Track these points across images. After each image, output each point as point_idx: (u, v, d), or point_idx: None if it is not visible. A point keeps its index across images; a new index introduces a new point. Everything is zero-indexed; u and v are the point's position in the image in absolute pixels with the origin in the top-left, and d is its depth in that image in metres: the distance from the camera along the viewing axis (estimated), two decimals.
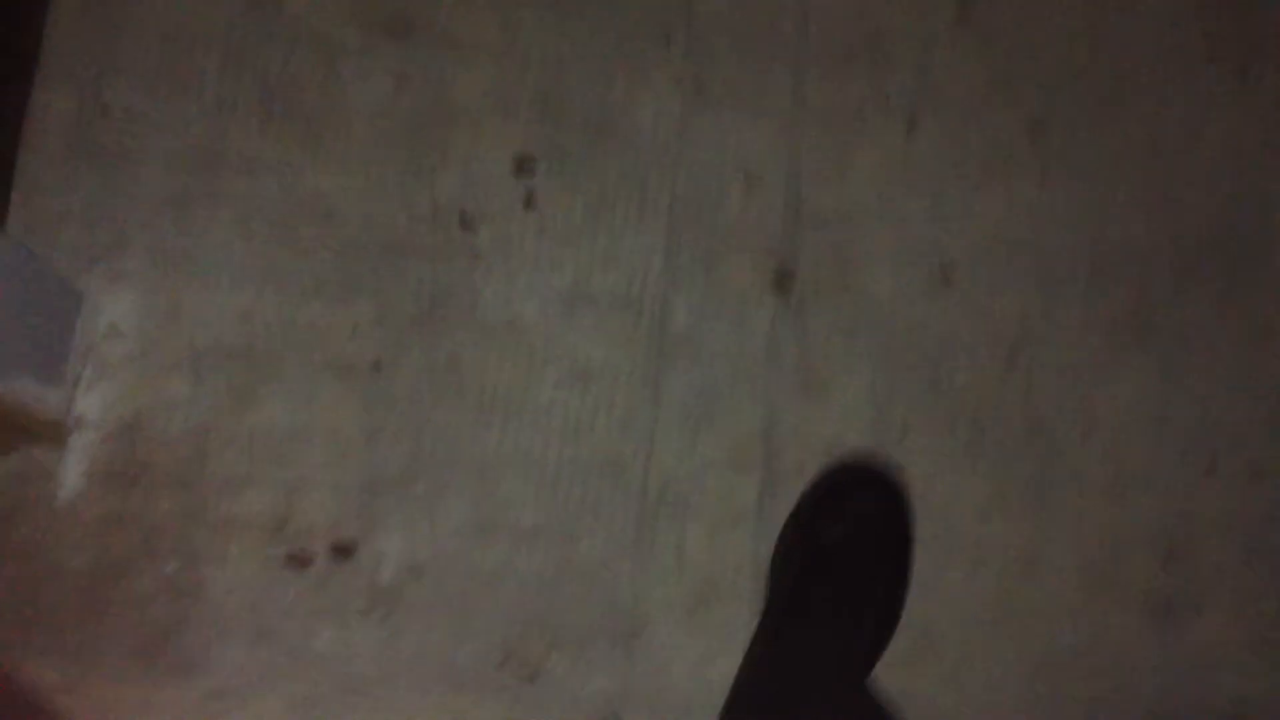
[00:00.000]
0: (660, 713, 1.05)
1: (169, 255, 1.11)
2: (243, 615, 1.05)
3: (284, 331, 1.10)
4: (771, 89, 1.19)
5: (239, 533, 1.06)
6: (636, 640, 1.07)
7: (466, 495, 1.08)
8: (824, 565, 0.94)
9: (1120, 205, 1.20)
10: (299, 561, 1.06)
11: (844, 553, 0.96)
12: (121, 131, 1.13)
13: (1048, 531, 1.11)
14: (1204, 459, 1.13)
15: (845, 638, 0.89)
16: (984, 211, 1.18)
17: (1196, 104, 1.22)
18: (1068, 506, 1.12)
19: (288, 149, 1.13)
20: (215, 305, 1.11)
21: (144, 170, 1.12)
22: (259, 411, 1.08)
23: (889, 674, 0.95)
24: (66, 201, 1.10)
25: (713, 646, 1.06)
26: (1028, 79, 1.22)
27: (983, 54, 1.23)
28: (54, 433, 1.05)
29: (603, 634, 1.06)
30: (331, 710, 1.03)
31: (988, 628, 1.08)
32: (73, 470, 1.08)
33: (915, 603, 1.01)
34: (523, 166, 1.17)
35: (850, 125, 1.19)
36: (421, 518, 1.08)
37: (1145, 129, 1.22)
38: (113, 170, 1.12)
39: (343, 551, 1.07)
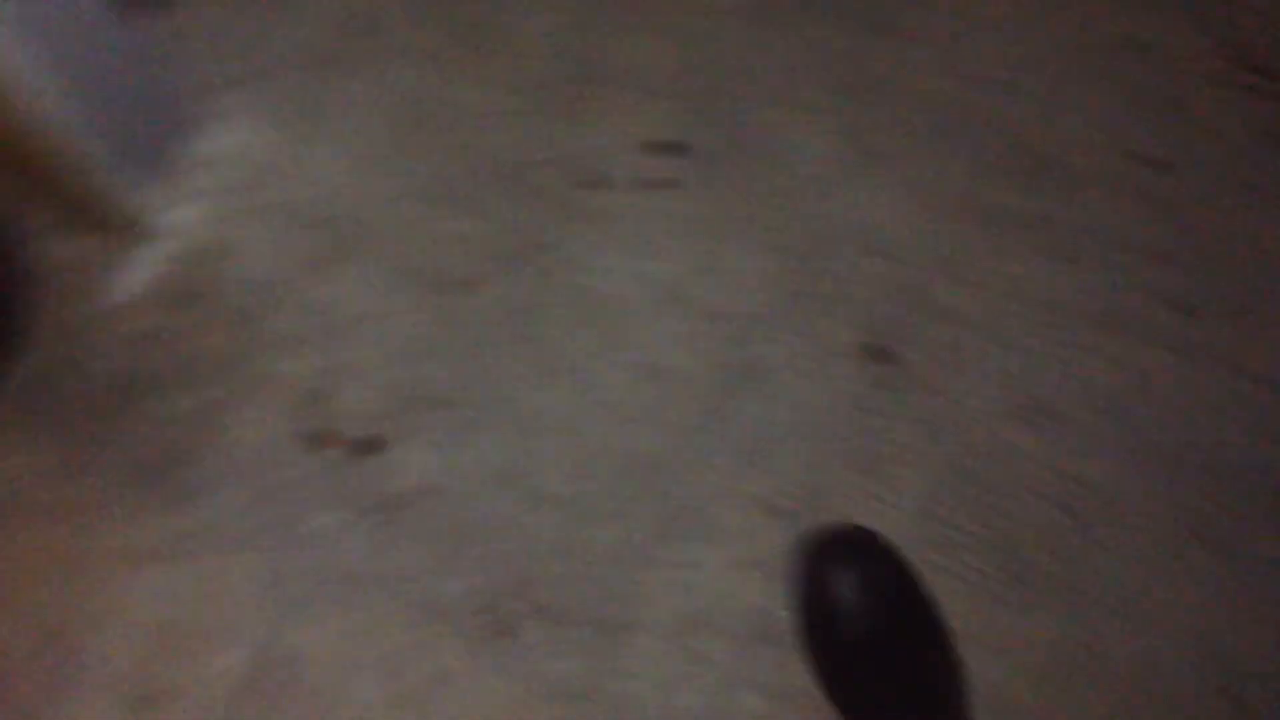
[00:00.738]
0: (616, 717, 1.02)
1: (301, 106, 1.12)
2: (249, 471, 1.04)
3: (384, 219, 1.11)
4: (940, 174, 1.21)
5: (274, 392, 1.05)
6: (617, 639, 1.05)
7: (502, 440, 1.07)
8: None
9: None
10: (320, 440, 1.05)
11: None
12: None
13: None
14: None
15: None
16: (1090, 371, 1.18)
17: None
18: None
19: (447, 46, 1.15)
20: (327, 169, 1.12)
21: (306, 17, 1.14)
22: (333, 285, 1.08)
23: None
24: (226, 20, 1.11)
25: (690, 674, 1.04)
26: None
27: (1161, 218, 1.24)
28: (129, 232, 1.05)
29: (587, 621, 1.04)
30: (296, 591, 1.00)
31: None
32: (135, 276, 1.08)
33: None
34: (669, 150, 1.18)
35: (1007, 237, 1.21)
36: (452, 445, 1.06)
37: None
38: (278, 7, 1.14)
39: (367, 447, 1.05)
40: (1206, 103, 1.24)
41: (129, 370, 1.03)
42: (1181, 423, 1.13)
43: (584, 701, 0.97)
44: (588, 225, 1.13)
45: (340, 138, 1.12)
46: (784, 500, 1.09)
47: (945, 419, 1.14)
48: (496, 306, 1.10)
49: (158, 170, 1.03)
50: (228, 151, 1.09)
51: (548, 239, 1.12)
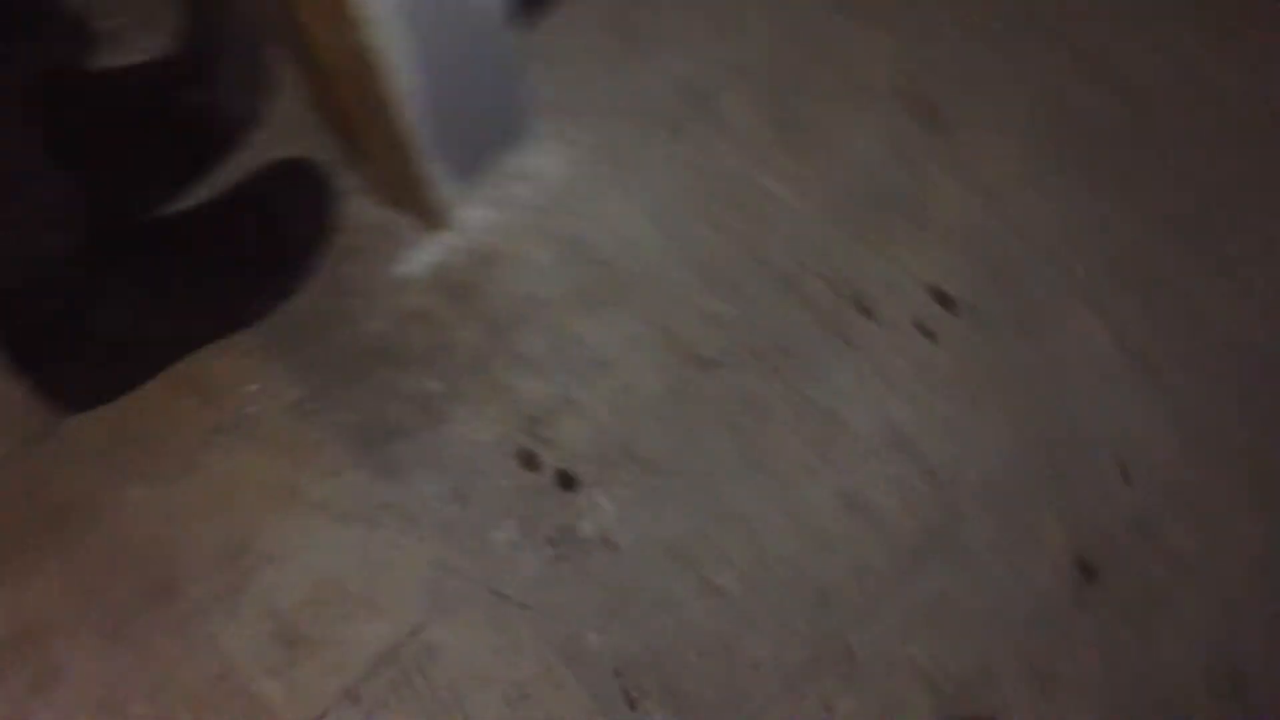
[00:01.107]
0: None
1: (616, 151, 1.19)
2: (456, 467, 1.10)
3: (655, 278, 1.16)
4: (1218, 416, 1.18)
5: (502, 403, 1.12)
6: None
7: (689, 518, 1.10)
8: None
9: None
10: (527, 461, 1.11)
11: None
12: (656, 21, 1.23)
13: None
14: None
15: None
16: None
17: None
18: None
19: (771, 135, 1.21)
20: (620, 215, 1.18)
21: (650, 70, 1.22)
22: (588, 322, 1.14)
23: None
24: (576, 49, 1.20)
25: None
26: None
27: None
28: (434, 218, 1.14)
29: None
30: (457, 590, 1.06)
31: None
32: (423, 257, 1.17)
33: None
34: (945, 301, 1.18)
35: (1270, 497, 1.16)
36: (640, 505, 1.10)
37: None
38: (631, 52, 1.22)
39: (567, 482, 1.10)
40: None
41: (386, 339, 1.12)
42: None
43: None
44: (840, 345, 1.15)
45: (642, 190, 1.18)
46: (942, 678, 1.07)
47: (1135, 661, 1.09)
48: (726, 390, 1.13)
49: (475, 171, 1.11)
50: (538, 172, 1.17)
51: (796, 345, 1.14)
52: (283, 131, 1.19)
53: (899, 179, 1.20)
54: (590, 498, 1.09)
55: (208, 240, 1.09)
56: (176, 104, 1.09)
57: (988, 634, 1.08)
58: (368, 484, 1.09)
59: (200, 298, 1.08)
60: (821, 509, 1.11)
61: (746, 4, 1.30)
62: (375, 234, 1.16)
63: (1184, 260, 1.23)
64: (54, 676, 1.00)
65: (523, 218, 1.16)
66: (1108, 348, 1.18)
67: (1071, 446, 1.15)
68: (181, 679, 1.00)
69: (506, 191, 1.16)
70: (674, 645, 1.06)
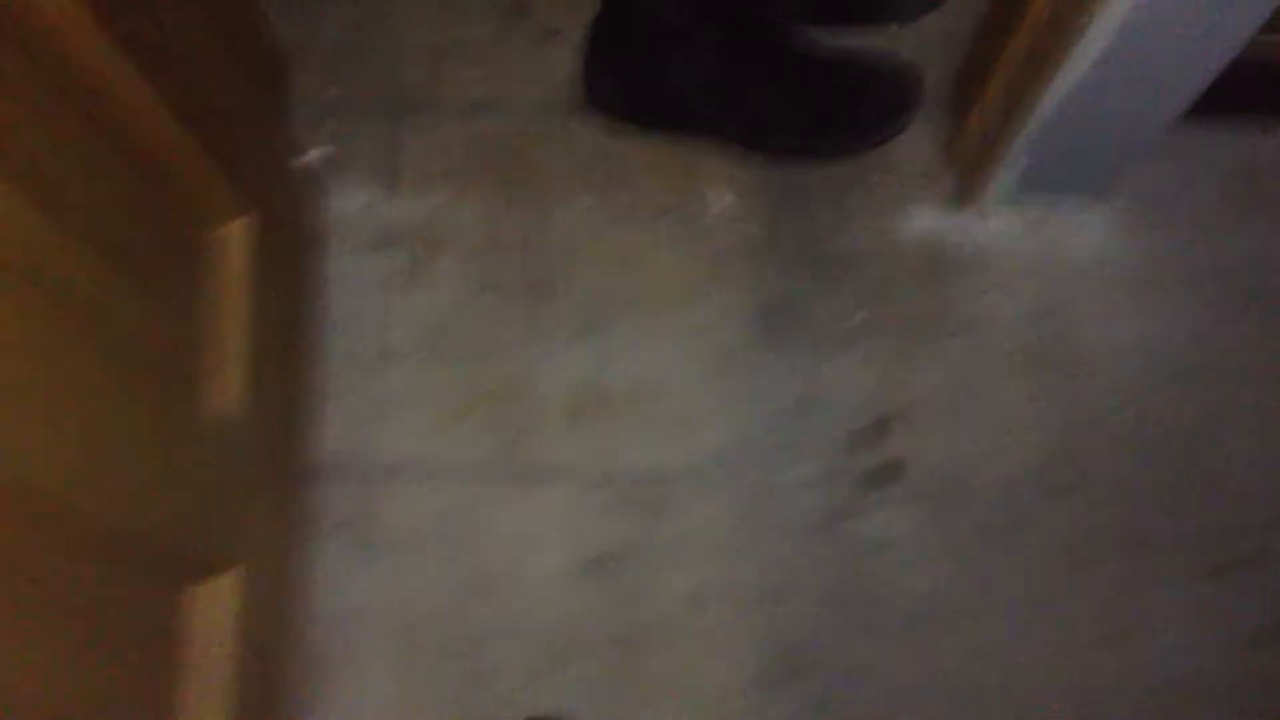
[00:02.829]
0: None
1: (1163, 283, 1.25)
2: (816, 387, 1.21)
3: (1084, 395, 1.22)
4: None
5: (895, 368, 1.22)
6: None
7: (957, 595, 1.17)
8: None
9: None
10: (878, 429, 1.20)
11: None
12: None
13: None
14: None
15: None
16: None
17: None
18: None
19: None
20: (1109, 328, 1.24)
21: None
22: (1008, 378, 1.21)
23: None
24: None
25: None
26: None
27: None
28: (970, 197, 1.22)
29: None
30: (728, 465, 1.18)
31: None
32: (932, 219, 1.26)
33: None
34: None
35: None
36: (935, 550, 1.18)
37: None
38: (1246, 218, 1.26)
39: (890, 475, 1.19)
40: None
41: (847, 252, 1.22)
42: None
43: None
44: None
45: (1158, 321, 1.23)
46: None
47: None
48: (1068, 525, 1.18)
49: (1044, 187, 1.19)
50: (1079, 233, 1.24)
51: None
52: (919, 39, 1.29)
53: None
54: (894, 503, 1.17)
55: (798, 67, 1.21)
56: None
57: None
58: (741, 339, 1.22)
59: (753, 102, 1.21)
60: None
61: None
62: (915, 170, 1.25)
63: None
64: None
65: (1036, 258, 1.22)
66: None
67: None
68: None
69: (1045, 227, 1.23)
70: (858, 667, 1.15)
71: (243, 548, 0.90)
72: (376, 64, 1.27)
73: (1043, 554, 1.14)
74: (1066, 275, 1.21)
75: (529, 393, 1.18)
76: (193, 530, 0.81)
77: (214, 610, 0.84)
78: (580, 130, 1.25)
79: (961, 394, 1.18)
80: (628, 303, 1.21)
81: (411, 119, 1.26)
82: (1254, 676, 1.13)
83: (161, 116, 0.79)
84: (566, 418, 1.18)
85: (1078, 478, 1.16)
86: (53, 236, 0.63)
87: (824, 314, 1.20)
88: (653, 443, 1.17)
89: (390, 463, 1.16)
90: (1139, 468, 1.17)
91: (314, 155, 1.22)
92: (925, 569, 1.14)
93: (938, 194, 1.23)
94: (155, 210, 0.80)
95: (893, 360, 1.20)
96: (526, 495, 1.16)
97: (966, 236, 1.22)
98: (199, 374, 0.86)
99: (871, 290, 1.21)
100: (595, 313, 1.21)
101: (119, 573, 0.70)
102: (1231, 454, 1.17)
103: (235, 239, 0.92)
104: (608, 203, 1.23)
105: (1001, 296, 1.20)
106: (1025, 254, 1.21)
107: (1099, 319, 1.20)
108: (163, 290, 0.79)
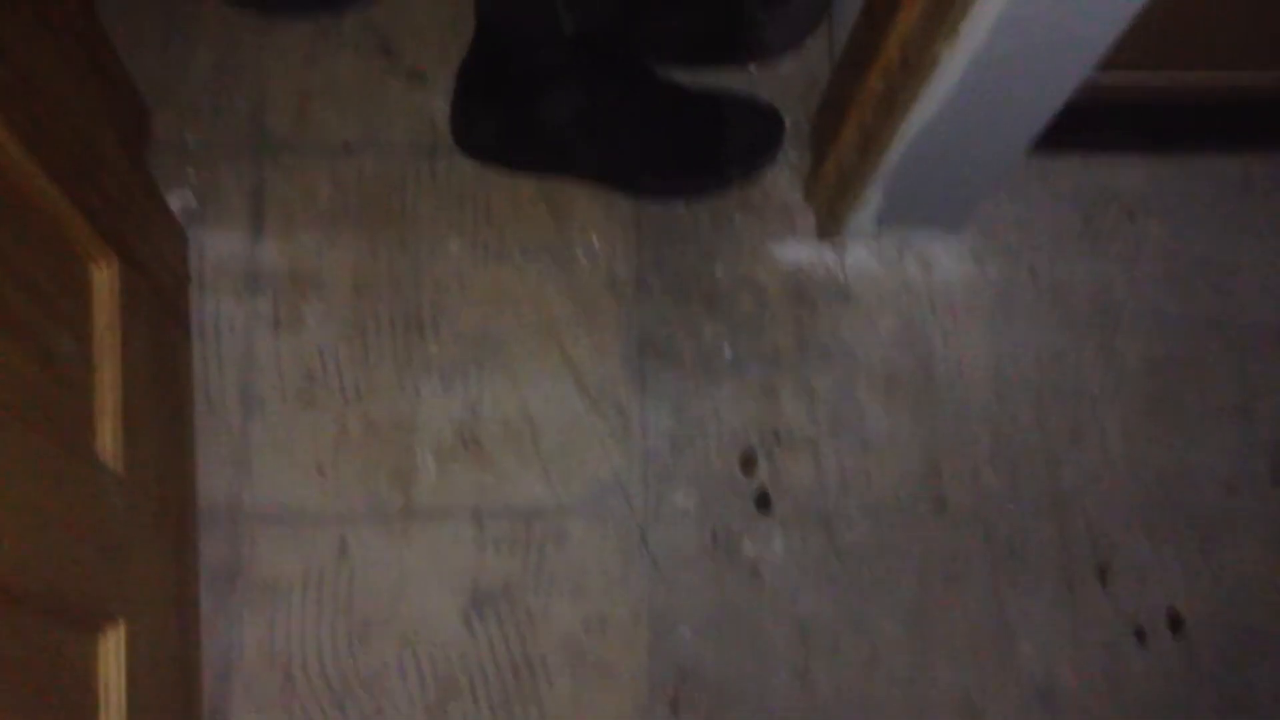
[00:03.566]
0: None
1: (1014, 299, 1.34)
2: (689, 421, 1.25)
3: (956, 403, 1.30)
4: None
5: (765, 401, 1.26)
6: None
7: (839, 609, 1.24)
8: None
9: None
10: (746, 462, 1.26)
11: None
12: None
13: None
14: None
15: None
16: None
17: None
18: None
19: None
20: (971, 344, 1.32)
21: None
22: (877, 402, 1.28)
23: None
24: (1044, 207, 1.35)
25: None
26: None
27: None
28: (830, 230, 1.28)
29: None
30: (613, 505, 1.23)
31: None
32: (797, 252, 1.33)
33: None
34: None
35: None
36: (806, 573, 1.24)
37: None
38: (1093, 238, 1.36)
39: (763, 503, 1.25)
40: None
41: (719, 286, 1.27)
42: None
43: None
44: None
45: (1013, 338, 1.32)
46: None
47: None
48: (944, 539, 1.26)
49: (900, 220, 1.27)
50: (940, 262, 1.33)
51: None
52: (778, 82, 1.37)
53: None
54: (770, 530, 1.24)
55: (663, 107, 1.27)
56: (738, 2, 1.28)
57: None
58: (612, 376, 1.25)
59: (620, 142, 1.27)
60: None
61: None
62: (776, 206, 1.32)
63: None
64: None
65: (894, 288, 1.30)
66: None
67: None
68: None
69: (903, 258, 1.31)
70: (742, 690, 1.20)
71: (126, 601, 0.91)
72: (241, 107, 1.29)
73: (914, 573, 1.22)
74: (924, 304, 1.29)
75: (402, 435, 1.21)
76: (74, 584, 0.82)
77: (98, 664, 0.84)
78: (450, 171, 1.29)
79: (828, 423, 1.25)
80: (500, 343, 1.25)
81: (277, 161, 1.28)
82: (1134, 676, 1.21)
83: (23, 166, 0.80)
84: (441, 459, 1.21)
85: (942, 498, 1.24)
86: None
87: (694, 350, 1.26)
88: (529, 481, 1.21)
89: (263, 511, 1.18)
90: (1000, 485, 1.25)
91: (178, 200, 1.24)
92: (803, 593, 1.20)
93: (800, 229, 1.30)
94: (17, 259, 0.81)
95: (761, 393, 1.26)
96: (404, 538, 1.18)
97: (828, 270, 1.29)
98: (73, 426, 0.87)
99: (739, 325, 1.27)
100: (468, 354, 1.24)
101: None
102: (1086, 468, 1.26)
103: (102, 287, 0.94)
104: (478, 243, 1.27)
105: (863, 326, 1.28)
106: (884, 285, 1.29)
107: (956, 345, 1.28)
108: (33, 342, 0.80)
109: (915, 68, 0.96)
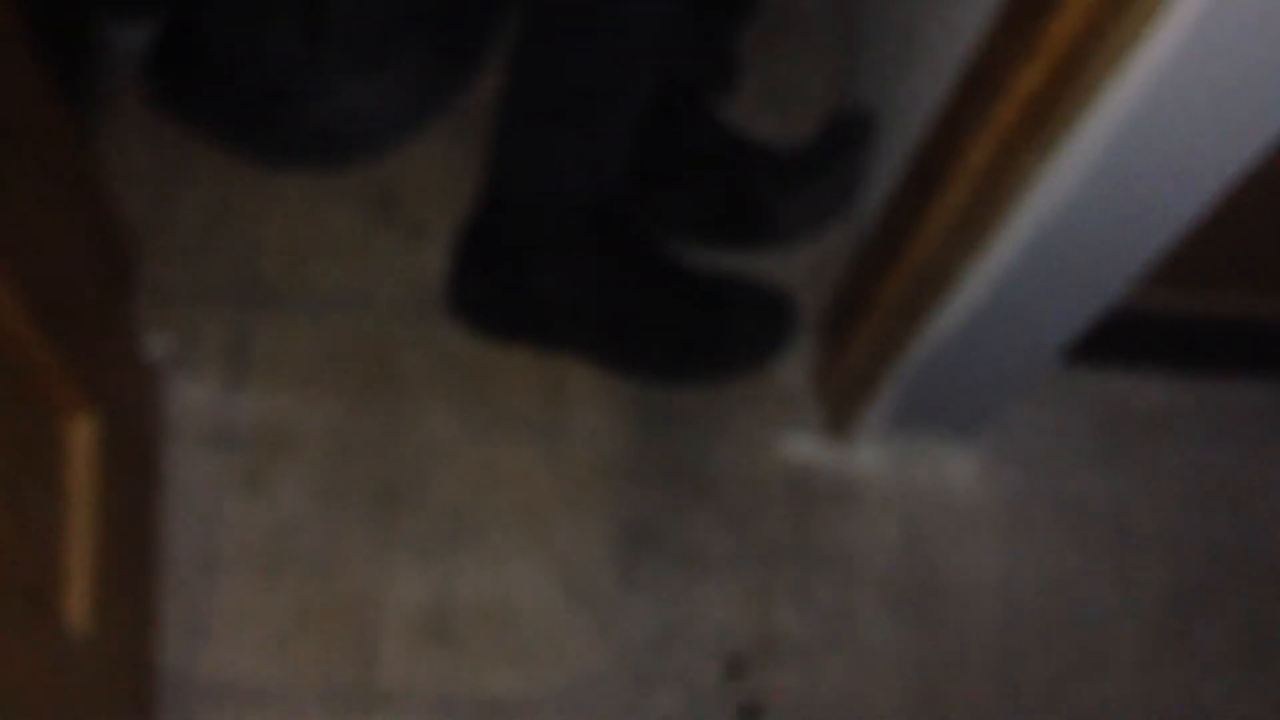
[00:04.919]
0: None
1: (1026, 519, 1.35)
2: (678, 619, 1.24)
3: (952, 622, 1.29)
4: None
5: (756, 602, 1.27)
6: None
7: None
8: None
9: None
10: (732, 666, 1.24)
11: None
12: None
13: None
14: None
15: None
16: None
17: None
18: None
19: None
20: (979, 564, 1.32)
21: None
22: (876, 611, 1.27)
23: None
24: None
25: None
26: None
27: None
28: (842, 429, 1.31)
29: None
30: (591, 705, 1.22)
31: None
32: (803, 447, 1.34)
33: None
34: None
35: None
36: None
37: None
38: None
39: (750, 713, 1.24)
40: None
41: (716, 476, 1.26)
42: None
43: None
44: None
45: (1022, 565, 1.33)
46: None
47: None
48: None
49: (919, 425, 1.28)
50: (954, 473, 1.34)
51: None
52: (793, 266, 1.39)
53: None
54: None
55: (670, 288, 1.29)
56: (751, 185, 1.31)
57: None
58: (598, 565, 1.23)
59: (623, 320, 1.28)
60: None
61: None
62: (782, 395, 1.32)
63: None
64: None
65: (902, 492, 1.31)
66: None
67: None
68: None
69: (912, 461, 1.32)
70: None
71: None
72: (231, 253, 1.30)
73: None
74: (933, 511, 1.29)
75: (372, 612, 1.19)
76: None
77: None
78: (443, 333, 1.29)
79: (823, 629, 1.23)
80: (482, 520, 1.23)
81: (263, 311, 1.28)
82: None
83: (8, 311, 0.81)
84: (411, 640, 1.19)
85: (940, 718, 1.22)
86: None
87: (685, 541, 1.24)
88: (502, 670, 1.18)
89: (221, 684, 1.15)
90: (1003, 709, 1.23)
91: (159, 345, 1.24)
92: None
93: (806, 421, 1.30)
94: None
95: (755, 592, 1.24)
96: None
97: (833, 467, 1.29)
98: (43, 586, 0.86)
99: (735, 517, 1.26)
100: (447, 529, 1.22)
101: None
102: (1093, 701, 1.25)
103: (78, 440, 0.93)
104: (467, 412, 1.27)
105: (867, 529, 1.27)
106: (892, 488, 1.29)
107: (964, 557, 1.27)
108: (3, 496, 0.80)
109: (939, 276, 0.98)
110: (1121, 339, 1.23)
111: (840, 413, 1.23)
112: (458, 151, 1.33)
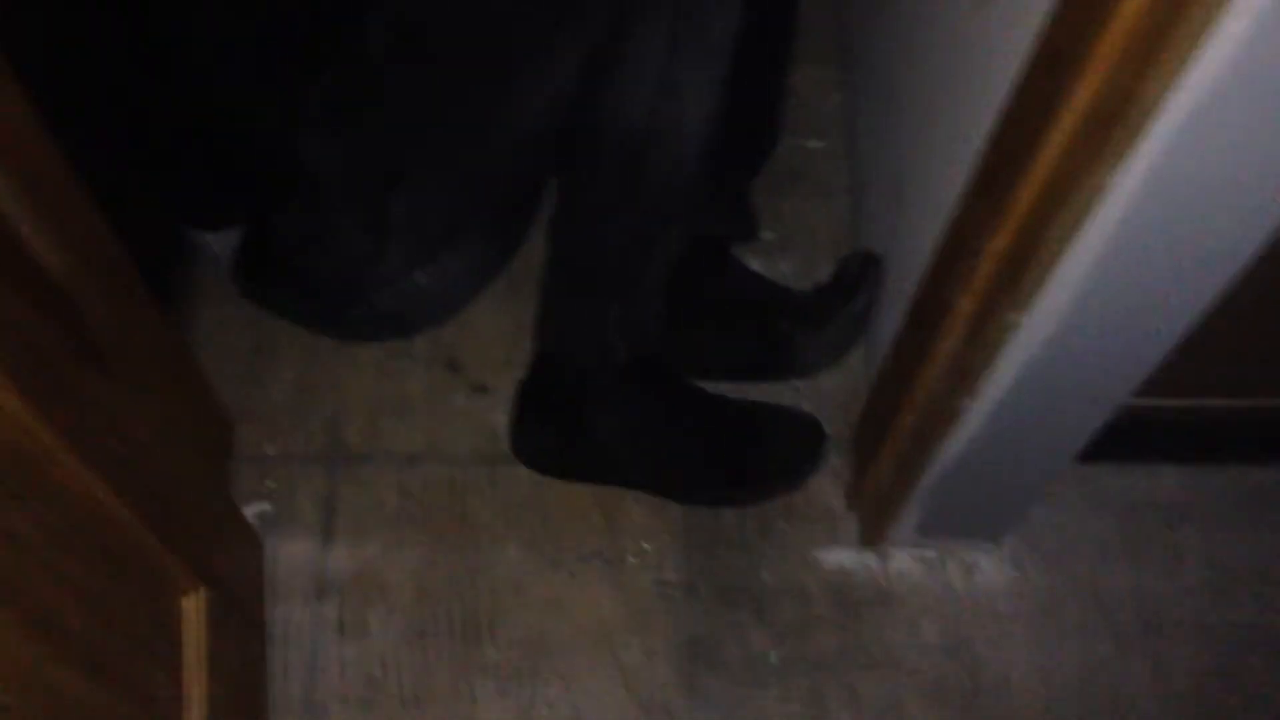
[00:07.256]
0: None
1: (1064, 618, 1.41)
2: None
3: None
4: None
5: (812, 705, 1.35)
6: None
7: None
8: None
9: None
10: None
11: None
12: None
13: None
14: None
15: None
16: None
17: None
18: None
19: None
20: (1016, 662, 1.39)
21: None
22: (919, 709, 1.36)
23: None
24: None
25: None
26: None
27: None
28: (874, 537, 1.42)
29: None
30: None
31: None
32: (840, 557, 1.43)
33: None
34: None
35: None
36: None
37: None
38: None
39: None
40: None
41: (764, 592, 1.37)
42: None
43: None
44: None
45: (1057, 670, 1.39)
46: None
47: None
48: None
49: (945, 534, 1.37)
50: (983, 574, 1.42)
51: None
52: (820, 394, 1.50)
53: None
54: None
55: (707, 421, 1.40)
56: (777, 326, 1.42)
57: None
58: (662, 682, 1.34)
59: (669, 455, 1.39)
60: None
61: None
62: (820, 512, 1.42)
63: None
64: None
65: (938, 595, 1.39)
66: None
67: None
68: None
69: (945, 565, 1.40)
70: None
71: None
72: (316, 421, 1.44)
73: None
74: (969, 611, 1.37)
75: None
76: None
77: None
78: (509, 479, 1.42)
79: None
80: (555, 646, 1.35)
81: (348, 471, 1.41)
82: None
83: (125, 518, 0.92)
84: None
85: None
86: (47, 663, 0.76)
87: (741, 653, 1.34)
88: None
89: None
90: None
91: (255, 510, 1.37)
92: None
93: (843, 535, 1.40)
94: (113, 601, 0.92)
95: (808, 697, 1.34)
96: None
97: (872, 576, 1.38)
98: None
99: (785, 629, 1.36)
100: (524, 658, 1.34)
101: None
102: None
103: (190, 618, 1.05)
104: (535, 549, 1.39)
105: (908, 632, 1.36)
106: (927, 592, 1.38)
107: (1001, 652, 1.35)
108: (127, 686, 0.91)
109: (942, 413, 1.07)
110: (1130, 437, 1.31)
111: (873, 526, 1.32)
112: (510, 311, 1.50)
